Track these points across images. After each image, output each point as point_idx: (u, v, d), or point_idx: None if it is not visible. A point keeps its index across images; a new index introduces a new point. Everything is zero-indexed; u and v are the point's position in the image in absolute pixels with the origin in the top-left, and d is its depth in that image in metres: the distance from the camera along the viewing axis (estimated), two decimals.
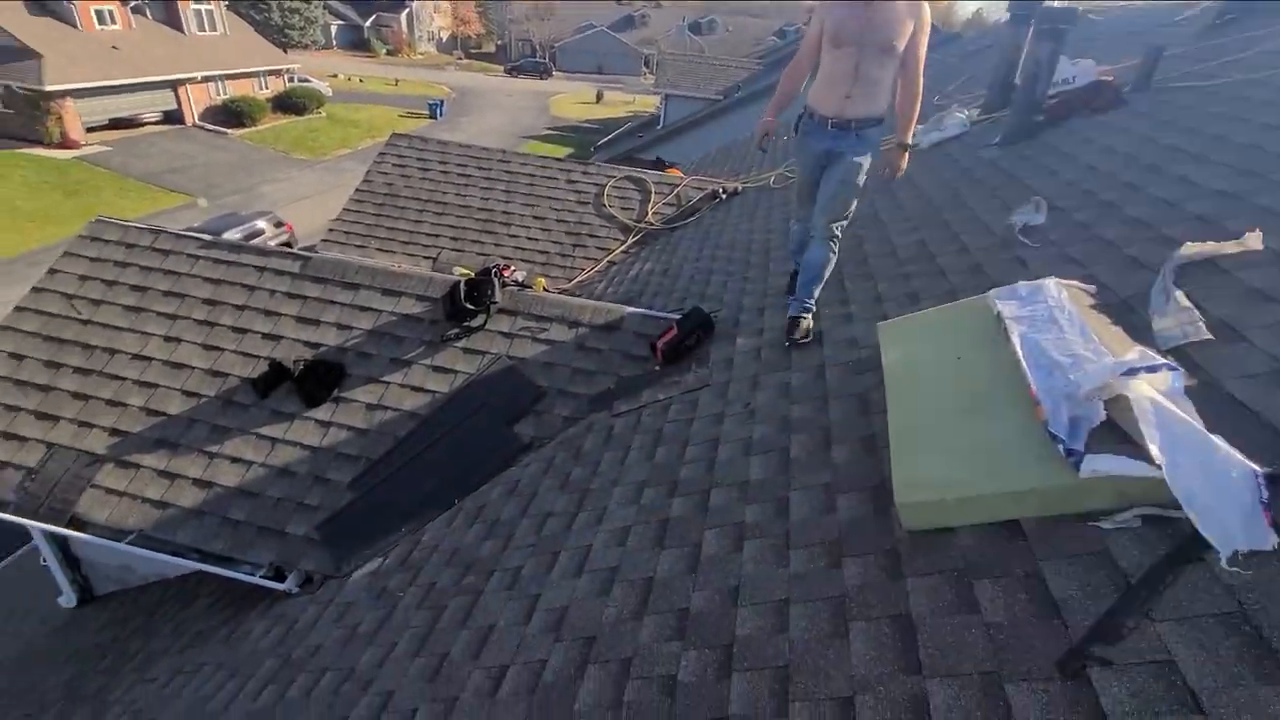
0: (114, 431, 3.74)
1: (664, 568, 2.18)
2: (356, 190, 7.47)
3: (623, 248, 6.75)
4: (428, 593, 2.74)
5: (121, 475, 3.60)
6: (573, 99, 46.59)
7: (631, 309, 4.08)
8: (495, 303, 4.03)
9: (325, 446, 3.65)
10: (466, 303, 3.97)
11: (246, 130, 29.61)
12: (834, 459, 2.28)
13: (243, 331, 4.10)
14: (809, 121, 3.12)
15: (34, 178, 22.67)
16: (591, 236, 6.91)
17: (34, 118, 23.88)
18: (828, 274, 3.25)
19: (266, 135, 29.77)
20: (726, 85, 21.71)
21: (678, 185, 7.32)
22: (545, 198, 7.25)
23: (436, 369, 3.90)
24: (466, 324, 4.03)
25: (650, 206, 7.11)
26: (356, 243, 7.05)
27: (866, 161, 3.04)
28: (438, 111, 35.61)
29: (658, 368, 3.73)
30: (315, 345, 4.03)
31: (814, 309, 3.28)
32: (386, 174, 7.62)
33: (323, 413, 3.77)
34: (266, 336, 4.08)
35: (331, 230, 7.19)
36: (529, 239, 6.95)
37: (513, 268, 4.50)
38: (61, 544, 4.43)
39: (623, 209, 7.14)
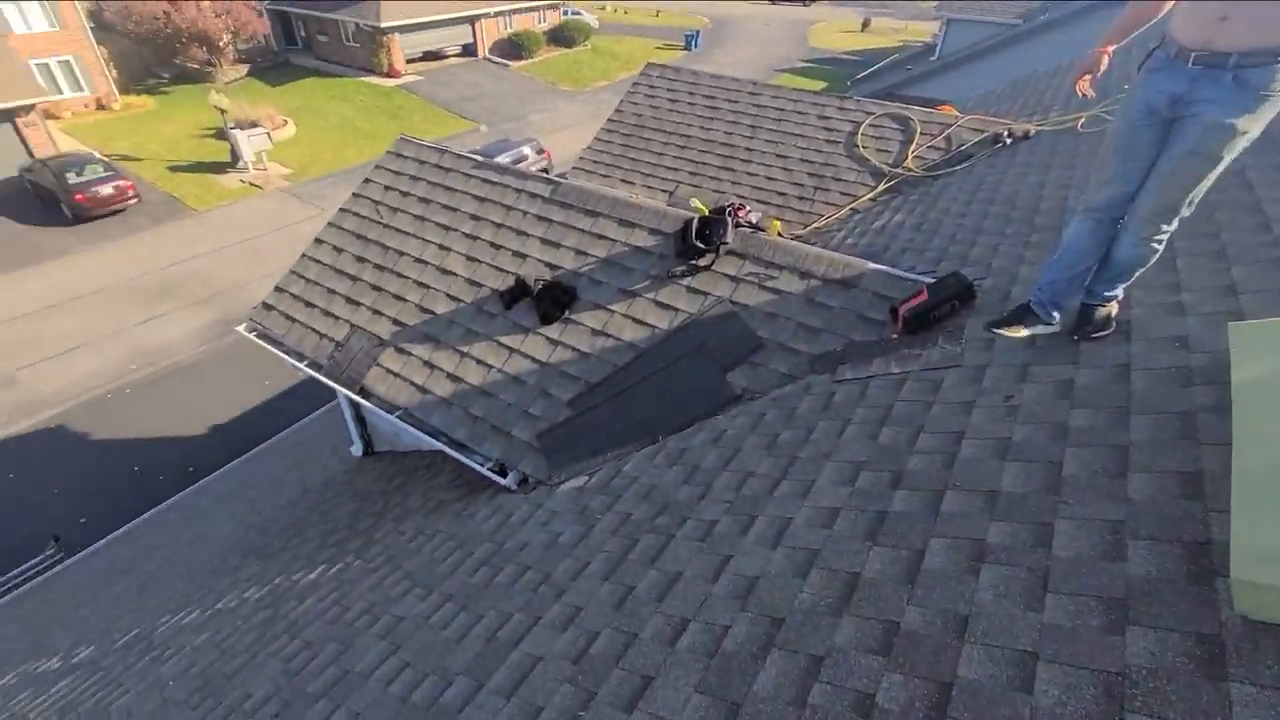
0: (395, 321, 4.43)
1: (874, 567, 1.92)
2: (608, 120, 7.71)
3: (871, 194, 6.07)
4: (623, 521, 2.82)
5: (397, 359, 4.26)
6: (835, 27, 42.92)
7: (874, 265, 3.63)
8: (725, 243, 3.87)
9: (551, 363, 3.91)
10: (696, 241, 3.87)
11: (524, 63, 32.54)
12: (1130, 491, 1.76)
13: (498, 247, 4.51)
14: (1159, 57, 2.16)
15: (368, 102, 27.67)
16: (837, 180, 6.32)
17: (371, 50, 28.84)
18: (1140, 273, 2.48)
19: (539, 67, 32.44)
20: (1028, 6, 18.10)
21: (950, 125, 6.30)
22: (792, 134, 6.77)
23: (659, 304, 3.90)
24: (694, 262, 3.95)
25: (912, 149, 6.24)
26: (602, 172, 7.34)
27: (1246, 125, 1.98)
28: (692, 43, 35.43)
29: (895, 336, 3.29)
30: (554, 267, 4.28)
31: (1120, 296, 2.56)
32: (637, 104, 7.73)
33: (553, 331, 4.02)
34: (516, 254, 4.44)
35: (581, 159, 7.57)
36: (768, 178, 6.59)
37: (748, 208, 4.26)
38: (355, 405, 5.50)
39: (878, 151, 6.38)
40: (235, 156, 22.42)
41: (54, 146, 21.67)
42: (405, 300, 4.49)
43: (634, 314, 3.92)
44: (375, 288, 4.64)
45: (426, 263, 4.62)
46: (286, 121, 25.31)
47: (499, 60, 32.52)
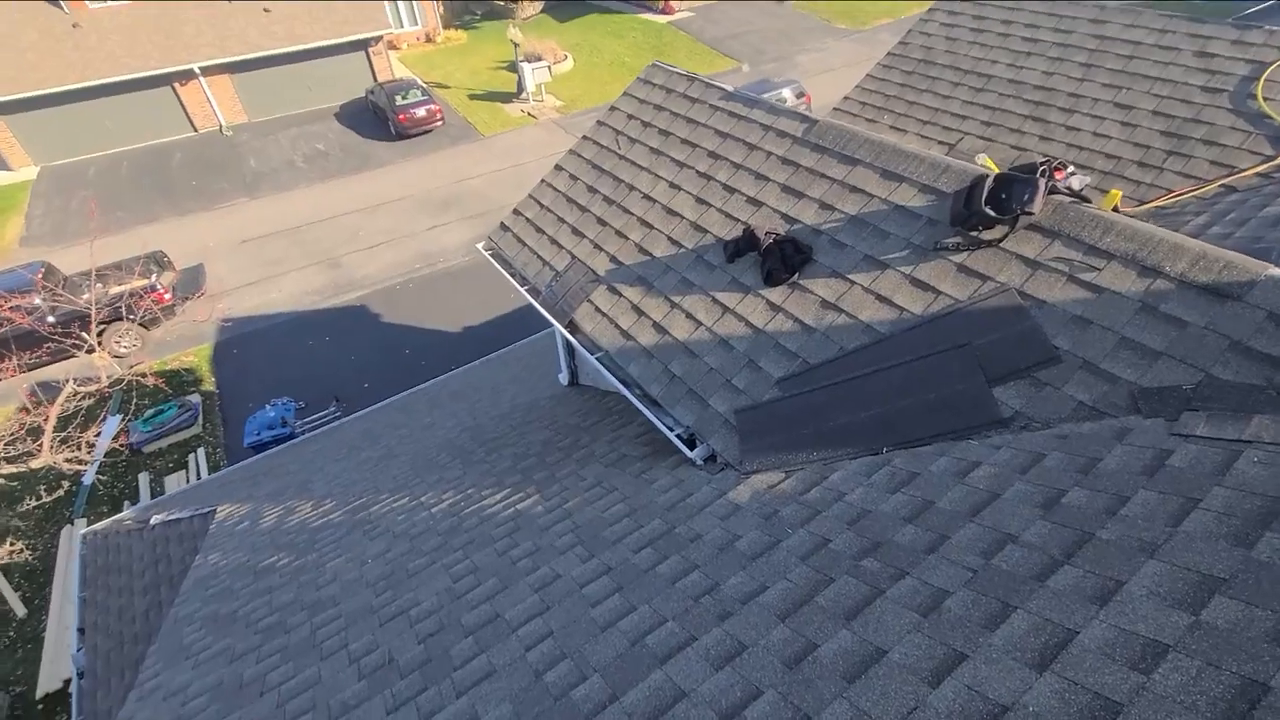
0: (613, 259, 4.23)
1: None
2: (888, 55, 6.57)
3: (1264, 166, 4.27)
4: (818, 548, 2.26)
5: (608, 299, 4.07)
6: None
7: (1278, 271, 2.40)
8: (1029, 213, 2.88)
9: (768, 331, 3.37)
10: (986, 206, 2.94)
11: None
12: None
13: (731, 191, 4.01)
14: None
15: (640, 39, 28.30)
16: (1208, 144, 4.57)
17: None
18: None
19: (818, 4, 30.04)
20: None
21: None
22: (1147, 77, 5.04)
23: (916, 282, 3.10)
24: (977, 234, 3.04)
25: None
26: (869, 115, 6.31)
27: None
28: None
29: None
30: (792, 220, 3.66)
31: None
32: (929, 35, 6.44)
33: (777, 295, 3.46)
34: (750, 200, 3.90)
35: (847, 98, 6.59)
36: (1096, 134, 5.03)
37: (1070, 169, 3.14)
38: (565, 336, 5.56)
39: None
40: (520, 87, 24.66)
41: (391, 73, 25.94)
42: (626, 238, 4.25)
43: (880, 289, 3.17)
44: (600, 221, 4.47)
45: (654, 200, 4.30)
46: (566, 56, 27.03)
47: None
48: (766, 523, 2.53)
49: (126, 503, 10.80)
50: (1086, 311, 2.64)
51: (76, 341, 9.43)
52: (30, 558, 9.67)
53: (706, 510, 2.80)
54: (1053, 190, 2.94)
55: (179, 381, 13.45)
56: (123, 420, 12.28)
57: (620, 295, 4.03)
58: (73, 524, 10.41)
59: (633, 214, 4.34)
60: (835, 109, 6.65)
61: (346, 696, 2.41)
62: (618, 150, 4.75)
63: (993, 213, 2.93)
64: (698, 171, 4.23)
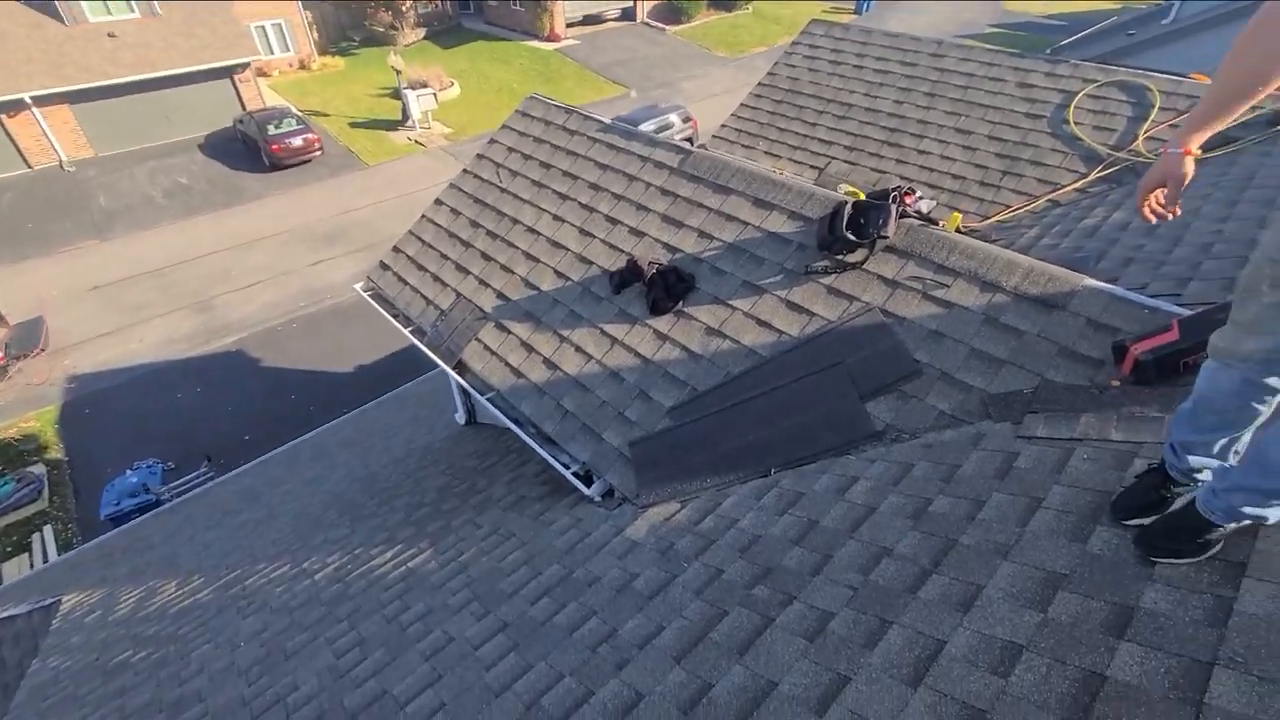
0: (499, 294, 4.13)
1: None
2: (758, 85, 6.93)
3: (1081, 182, 4.85)
4: (712, 580, 2.27)
5: (496, 336, 3.96)
6: None
7: (1093, 281, 2.70)
8: (884, 237, 3.09)
9: (656, 361, 3.39)
10: (847, 231, 3.13)
11: (681, 26, 31.63)
12: None
13: (614, 222, 4.04)
14: None
15: (527, 65, 28.35)
16: (1034, 164, 5.13)
17: (535, 14, 29.38)
18: None
19: (696, 32, 31.39)
20: None
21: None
22: (981, 105, 5.61)
23: (791, 305, 3.23)
24: (841, 257, 3.21)
25: (1145, 128, 4.90)
26: (745, 142, 6.61)
27: None
28: (864, 6, 32.49)
29: (1117, 383, 2.39)
30: (673, 250, 3.73)
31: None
32: (794, 67, 6.86)
33: (663, 324, 3.49)
34: (632, 231, 3.94)
35: (724, 127, 6.88)
36: (943, 157, 5.52)
37: (918, 194, 3.42)
38: None
39: (1096, 129, 5.08)
40: (405, 115, 23.94)
41: (261, 101, 24.39)
42: (512, 273, 4.17)
43: (759, 314, 3.28)
44: (485, 256, 4.36)
45: (539, 233, 4.25)
46: (453, 83, 26.57)
47: (656, 24, 31.88)
48: (663, 558, 2.51)
49: None
50: (940, 326, 2.85)
51: None
52: None
53: (605, 550, 2.74)
54: (903, 214, 3.18)
55: (14, 452, 11.78)
56: None
57: (509, 332, 3.93)
58: None
59: (518, 248, 4.27)
60: (714, 135, 6.92)
61: None
62: (499, 183, 4.68)
63: (853, 237, 3.12)
64: (580, 203, 4.24)
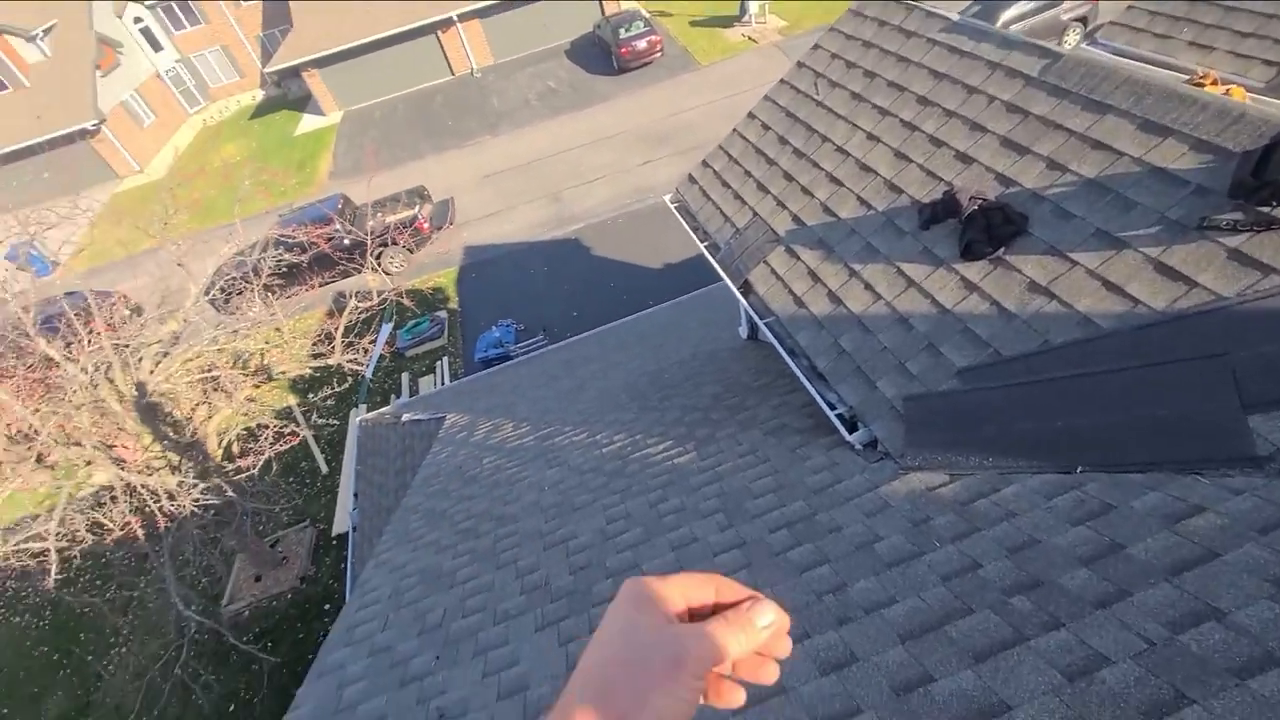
0: (795, 218, 4.02)
1: None
2: None
3: None
4: (965, 570, 2.07)
5: (785, 261, 3.91)
6: None
7: None
8: None
9: (956, 312, 2.99)
10: None
11: None
12: None
13: (938, 144, 3.52)
14: None
15: None
16: None
17: None
18: None
19: None
20: None
21: None
22: None
23: (1163, 268, 2.49)
24: (1267, 209, 2.32)
25: None
26: (1157, 29, 4.96)
27: None
28: None
29: None
30: (1008, 182, 3.12)
31: None
32: None
33: (974, 271, 3.03)
34: (959, 156, 3.39)
35: (1130, 9, 5.23)
36: None
37: None
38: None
39: None
40: (743, 9, 23.51)
41: (619, 5, 26.35)
42: (812, 195, 3.99)
43: (1110, 274, 2.61)
44: (787, 176, 4.24)
45: (848, 154, 3.94)
46: None
47: None
48: (915, 529, 2.36)
49: (393, 395, 13.39)
50: None
51: (358, 265, 11.63)
52: (331, 431, 12.61)
53: (854, 502, 2.68)
54: None
55: (432, 299, 15.98)
56: (392, 329, 15.06)
57: (798, 258, 3.85)
58: (357, 408, 13.25)
59: (822, 169, 4.04)
60: (1111, 22, 5.33)
61: (509, 606, 2.86)
62: (815, 96, 4.40)
63: None
64: (901, 120, 3.77)
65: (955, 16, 3.86)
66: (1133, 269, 2.57)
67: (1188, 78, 4.10)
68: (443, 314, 15.09)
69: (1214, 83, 4.03)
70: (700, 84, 21.26)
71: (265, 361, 9.26)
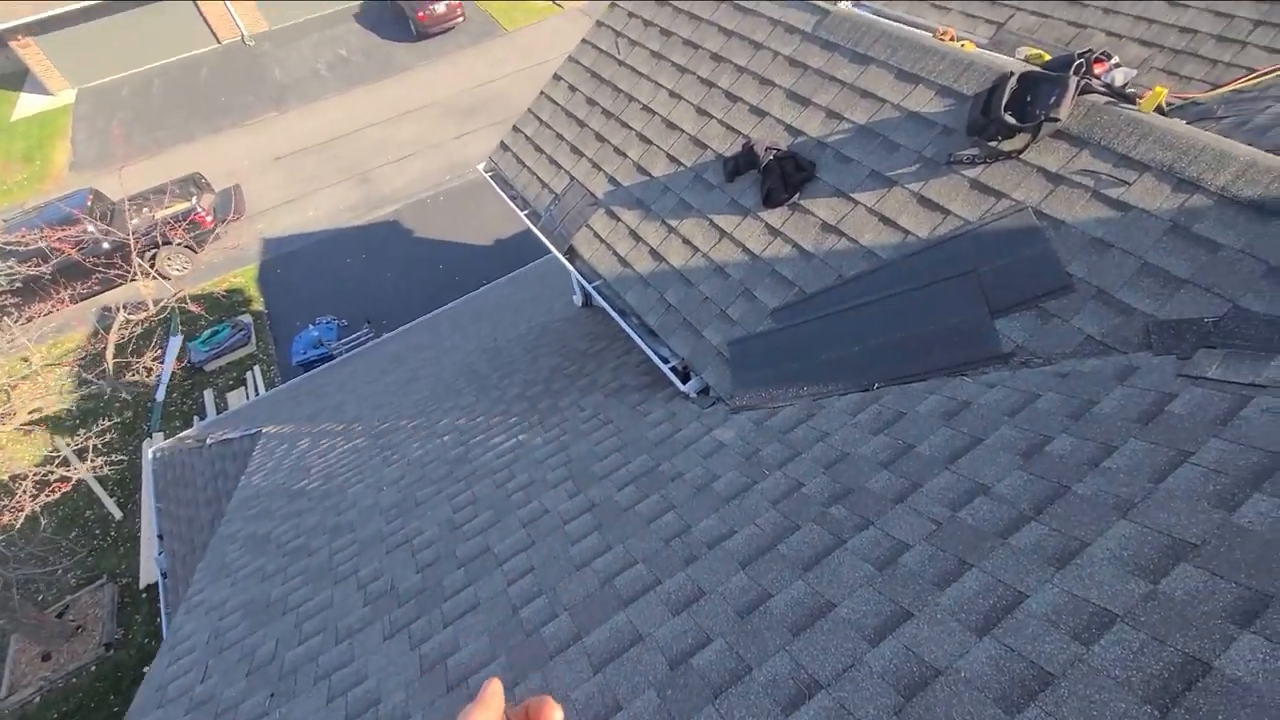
0: (611, 179, 4.02)
1: None
2: None
3: None
4: (791, 491, 2.24)
5: (606, 223, 3.92)
6: None
7: None
8: (1054, 119, 2.55)
9: (765, 258, 3.20)
10: (1007, 112, 2.61)
11: None
12: None
13: (734, 100, 3.68)
14: None
15: None
16: None
17: None
18: None
19: None
20: None
21: None
22: None
23: (924, 201, 2.84)
24: (995, 144, 2.72)
25: None
26: None
27: None
28: None
29: None
30: (796, 132, 3.36)
31: None
32: None
33: (776, 217, 3.24)
34: (753, 110, 3.58)
35: None
36: (1172, 4, 4.33)
37: (1113, 60, 2.73)
38: None
39: None
40: None
41: None
42: (625, 156, 4.02)
43: (885, 210, 2.93)
44: (599, 137, 4.22)
45: (654, 112, 4.00)
46: None
47: None
48: (746, 463, 2.51)
49: (195, 417, 11.66)
50: (1108, 233, 2.38)
51: (120, 272, 9.82)
52: (118, 469, 10.71)
53: (692, 447, 2.79)
54: (1085, 90, 2.58)
55: (230, 302, 14.04)
56: (183, 341, 13.03)
57: (618, 220, 3.86)
58: (150, 437, 11.37)
59: (632, 129, 4.07)
60: None
61: (352, 621, 2.62)
62: (617, 55, 4.39)
63: (1013, 120, 2.61)
64: (699, 77, 3.89)
65: None
66: (901, 204, 2.89)
67: (932, 34, 4.67)
68: (246, 318, 13.34)
69: (952, 39, 4.64)
70: (508, 50, 20.50)
71: (11, 400, 7.58)
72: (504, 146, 4.83)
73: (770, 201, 3.26)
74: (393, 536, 3.14)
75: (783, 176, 3.21)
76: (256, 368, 12.51)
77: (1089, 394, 2.07)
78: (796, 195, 3.20)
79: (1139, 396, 1.97)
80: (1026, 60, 4.67)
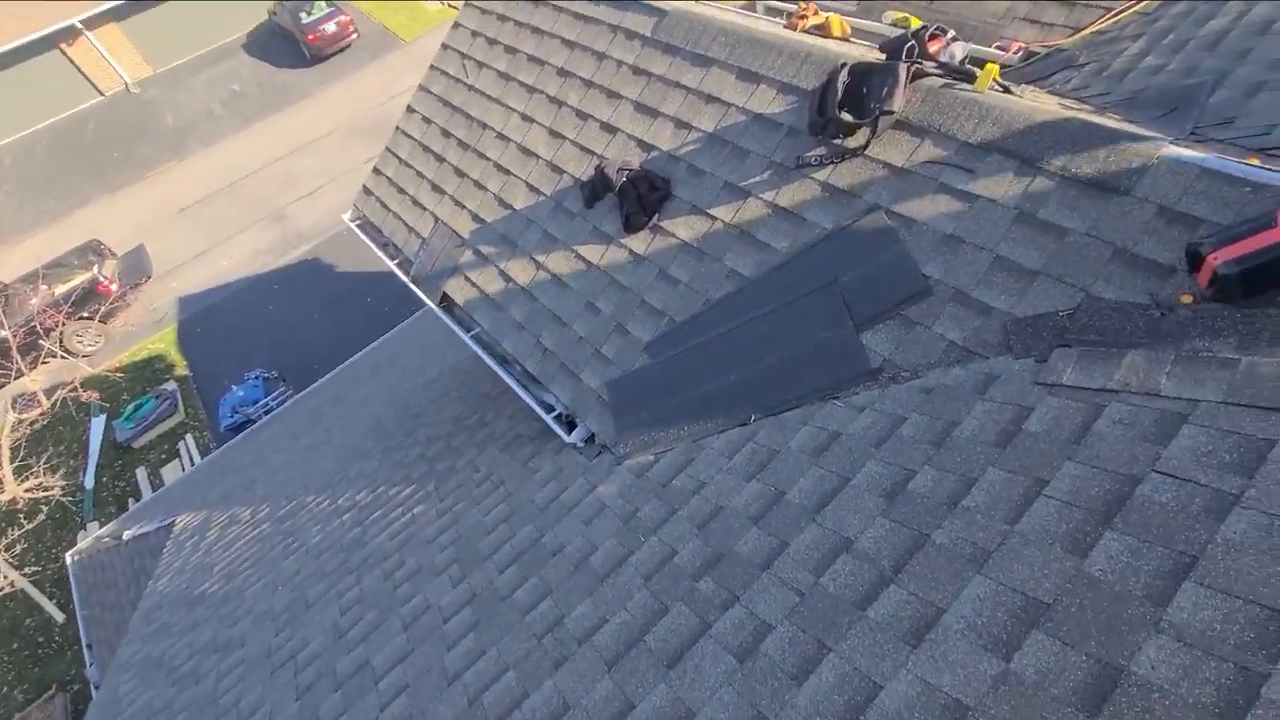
0: (475, 217, 3.76)
1: None
2: None
3: None
4: (663, 564, 2.07)
5: (476, 265, 3.66)
6: None
7: (1173, 150, 1.95)
8: (889, 112, 2.38)
9: (632, 288, 2.99)
10: (842, 110, 2.44)
11: None
12: None
13: (585, 117, 3.45)
14: None
15: None
16: None
17: None
18: None
19: None
20: None
21: None
22: None
23: (779, 211, 2.66)
24: (839, 141, 2.55)
25: None
26: None
27: None
28: None
29: (1189, 300, 1.78)
30: (648, 147, 3.15)
31: None
32: None
33: (639, 242, 3.04)
34: (604, 127, 3.35)
35: None
36: None
37: (949, 35, 2.57)
38: None
39: None
40: None
41: None
42: (486, 189, 3.76)
43: (742, 223, 2.75)
44: (459, 172, 3.94)
45: (509, 139, 3.74)
46: None
47: None
48: (625, 527, 2.33)
49: (130, 499, 11.07)
50: (959, 228, 2.24)
51: (7, 367, 9.12)
52: (55, 569, 10.10)
53: (574, 512, 2.60)
54: (918, 75, 2.41)
55: (152, 371, 13.32)
56: (106, 420, 12.33)
57: (487, 260, 3.61)
58: (85, 529, 10.75)
59: (488, 159, 3.80)
60: None
61: None
62: (466, 79, 4.10)
63: (850, 116, 2.44)
64: (549, 96, 3.64)
65: None
66: (759, 215, 2.71)
67: (795, 7, 4.49)
68: (170, 385, 12.68)
69: (815, 12, 4.45)
70: (409, 62, 19.74)
71: None
72: (367, 191, 4.51)
73: (630, 226, 3.05)
74: (279, 652, 2.88)
75: (639, 198, 3.00)
76: (189, 436, 11.92)
77: (951, 413, 1.93)
78: (656, 216, 3.00)
79: (998, 413, 1.84)
80: (894, 24, 4.53)
